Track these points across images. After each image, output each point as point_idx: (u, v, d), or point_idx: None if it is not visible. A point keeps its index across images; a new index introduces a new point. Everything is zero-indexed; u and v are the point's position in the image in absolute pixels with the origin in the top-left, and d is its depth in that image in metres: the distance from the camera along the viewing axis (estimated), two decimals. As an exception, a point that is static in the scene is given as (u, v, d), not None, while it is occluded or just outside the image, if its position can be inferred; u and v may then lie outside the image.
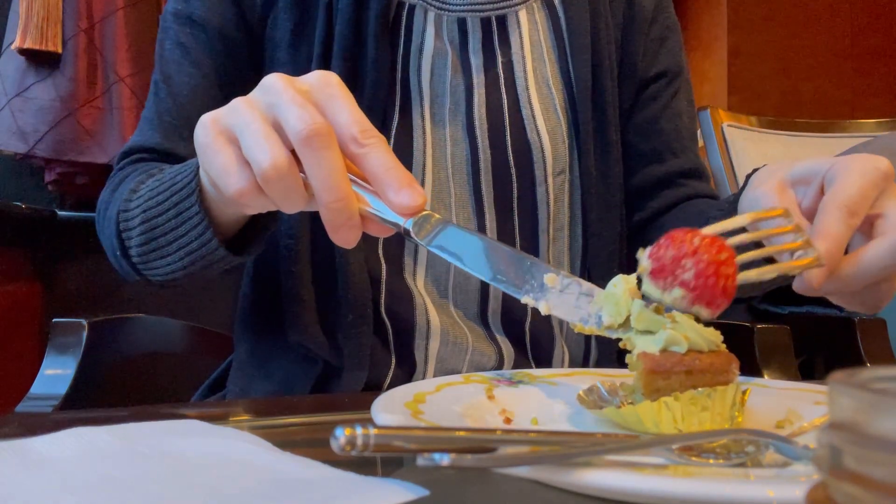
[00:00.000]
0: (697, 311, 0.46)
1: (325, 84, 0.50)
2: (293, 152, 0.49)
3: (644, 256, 0.48)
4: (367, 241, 0.79)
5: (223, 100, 0.80)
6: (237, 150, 0.50)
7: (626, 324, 0.48)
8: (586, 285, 0.49)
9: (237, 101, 0.51)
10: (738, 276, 0.47)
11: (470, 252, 0.49)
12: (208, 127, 0.51)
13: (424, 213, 0.49)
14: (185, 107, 0.80)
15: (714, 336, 0.54)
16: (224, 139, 0.51)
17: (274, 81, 0.49)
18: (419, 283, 0.80)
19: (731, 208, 0.72)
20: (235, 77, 0.81)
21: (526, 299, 0.48)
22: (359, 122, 0.49)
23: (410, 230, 0.49)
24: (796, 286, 0.53)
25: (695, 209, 0.86)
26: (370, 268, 0.79)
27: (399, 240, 0.80)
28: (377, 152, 0.48)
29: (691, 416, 0.51)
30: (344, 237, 0.50)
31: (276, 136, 0.48)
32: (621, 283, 0.48)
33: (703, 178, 0.93)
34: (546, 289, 0.48)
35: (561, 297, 0.48)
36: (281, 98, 0.48)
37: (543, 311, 0.48)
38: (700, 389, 0.50)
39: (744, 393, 0.54)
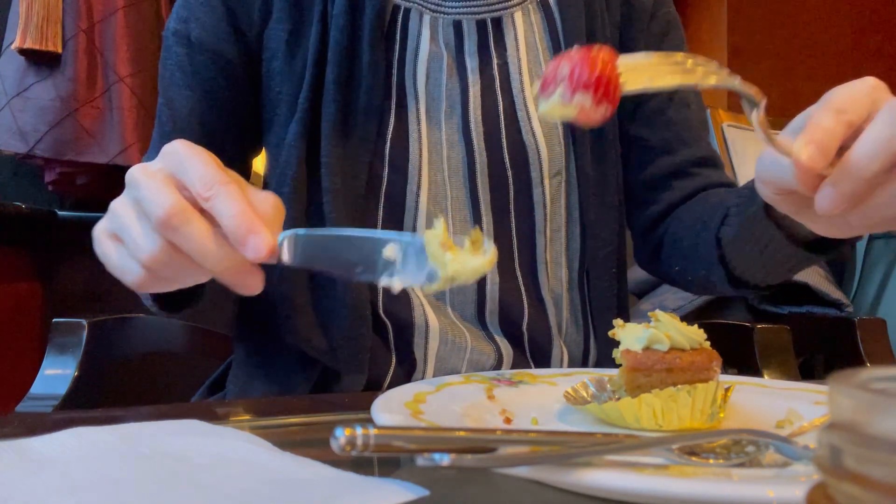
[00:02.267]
0: (582, 101, 0.44)
1: (171, 153, 0.51)
2: None
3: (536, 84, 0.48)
4: None
5: (217, 123, 0.81)
6: (124, 249, 0.52)
7: (449, 271, 0.48)
8: (417, 240, 0.49)
9: (113, 205, 0.53)
10: (631, 82, 0.45)
11: (326, 257, 0.51)
12: (99, 239, 0.54)
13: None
14: (185, 131, 0.80)
15: (697, 335, 0.55)
16: (112, 244, 0.53)
17: (132, 175, 0.52)
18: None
19: (750, 194, 0.71)
20: (232, 98, 0.81)
21: (383, 282, 0.49)
22: (201, 176, 0.49)
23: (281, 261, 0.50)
24: (799, 178, 0.47)
25: (715, 198, 0.84)
26: None
27: None
28: (219, 203, 0.49)
29: (671, 412, 0.52)
30: (247, 287, 0.51)
31: (149, 229, 0.50)
32: (433, 240, 0.48)
33: (717, 166, 0.91)
34: (390, 264, 0.49)
35: (404, 267, 0.49)
36: (139, 189, 0.50)
37: (397, 289, 0.49)
38: (680, 386, 0.51)
39: (726, 390, 0.55)
